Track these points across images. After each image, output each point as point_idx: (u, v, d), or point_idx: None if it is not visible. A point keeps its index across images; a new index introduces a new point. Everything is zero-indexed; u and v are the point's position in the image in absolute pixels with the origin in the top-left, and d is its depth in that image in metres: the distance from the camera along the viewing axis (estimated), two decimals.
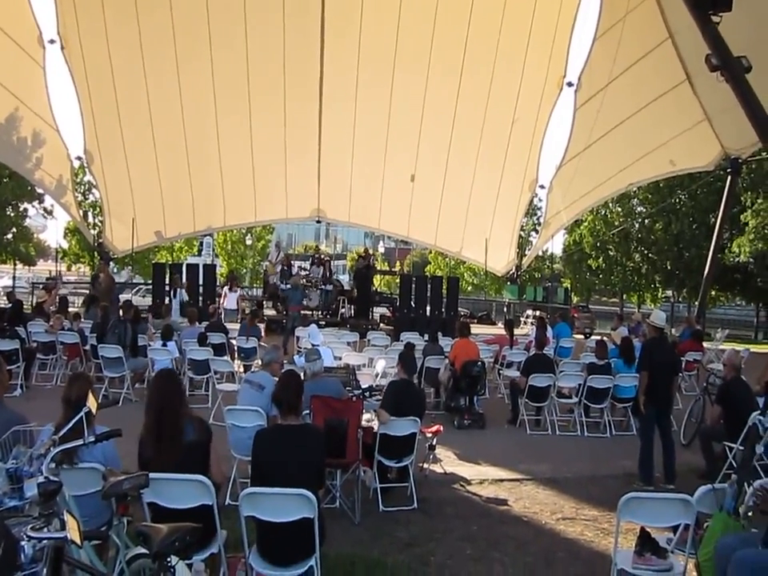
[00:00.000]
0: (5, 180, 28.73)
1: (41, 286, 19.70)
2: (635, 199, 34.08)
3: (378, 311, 21.03)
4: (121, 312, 10.72)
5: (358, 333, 13.50)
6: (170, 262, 26.72)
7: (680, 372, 8.78)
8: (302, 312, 15.82)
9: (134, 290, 28.84)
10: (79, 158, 17.42)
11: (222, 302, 16.28)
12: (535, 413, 8.96)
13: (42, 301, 13.25)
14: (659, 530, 3.89)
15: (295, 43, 15.26)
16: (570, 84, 15.48)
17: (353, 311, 18.91)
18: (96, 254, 21.94)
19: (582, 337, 19.95)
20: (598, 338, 12.46)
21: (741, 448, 5.41)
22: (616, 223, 33.37)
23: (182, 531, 2.78)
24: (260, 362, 7.42)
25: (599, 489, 6.32)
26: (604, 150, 16.33)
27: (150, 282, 20.89)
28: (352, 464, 5.30)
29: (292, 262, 19.46)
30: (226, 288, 16.32)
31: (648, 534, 3.75)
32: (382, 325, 18.72)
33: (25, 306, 13.91)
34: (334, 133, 17.16)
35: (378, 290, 22.47)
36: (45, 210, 32.26)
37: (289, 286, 16.06)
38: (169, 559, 2.73)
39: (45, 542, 2.22)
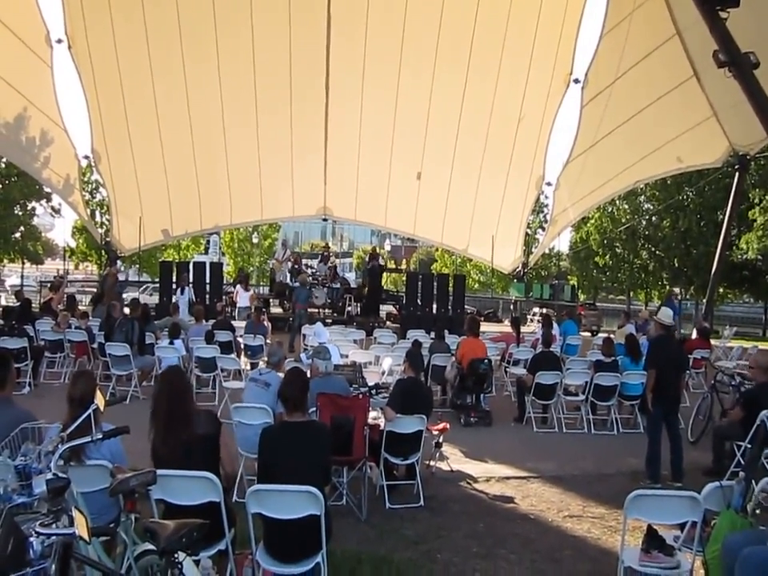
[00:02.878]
0: (13, 179, 28.94)
1: (48, 285, 19.79)
2: (642, 196, 33.94)
3: (385, 309, 21.02)
4: (128, 310, 10.76)
5: (365, 330, 13.48)
6: (177, 261, 26.76)
7: (687, 369, 8.75)
8: (309, 310, 15.83)
9: (141, 288, 28.96)
10: (86, 157, 17.48)
11: (235, 300, 16.21)
12: (542, 410, 8.96)
13: (49, 299, 13.31)
14: (666, 527, 3.88)
15: (302, 42, 15.25)
16: (576, 81, 15.41)
17: (359, 309, 18.93)
18: (103, 252, 22.02)
19: (588, 334, 19.91)
20: (605, 335, 12.41)
21: (749, 446, 5.39)
22: (623, 220, 33.26)
23: (189, 527, 2.79)
24: (266, 359, 7.42)
25: (606, 486, 6.31)
26: (611, 146, 16.25)
27: (156, 280, 20.94)
28: (358, 461, 5.31)
29: (301, 259, 19.48)
30: (239, 286, 16.28)
31: (655, 531, 3.74)
32: (388, 323, 18.70)
33: (33, 305, 13.98)
34: (340, 131, 17.16)
35: (385, 287, 22.43)
36: (53, 208, 32.50)
37: (297, 283, 16.10)
38: (176, 555, 2.75)
39: (53, 538, 2.23)
